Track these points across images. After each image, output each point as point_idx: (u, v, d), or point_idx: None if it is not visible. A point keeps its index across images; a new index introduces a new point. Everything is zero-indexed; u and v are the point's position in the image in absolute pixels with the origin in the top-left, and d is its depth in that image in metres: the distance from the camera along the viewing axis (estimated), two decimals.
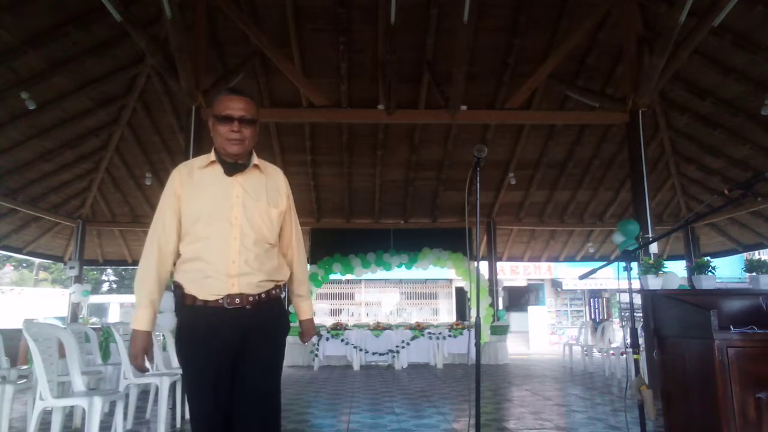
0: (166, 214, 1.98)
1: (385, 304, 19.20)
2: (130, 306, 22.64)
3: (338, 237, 12.43)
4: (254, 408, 1.89)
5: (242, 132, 1.95)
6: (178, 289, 1.95)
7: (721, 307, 2.82)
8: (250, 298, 1.93)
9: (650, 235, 6.70)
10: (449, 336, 10.27)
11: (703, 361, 2.55)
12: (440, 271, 14.30)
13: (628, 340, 2.71)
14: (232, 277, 1.90)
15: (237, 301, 1.90)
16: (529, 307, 18.42)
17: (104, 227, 12.86)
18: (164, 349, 5.74)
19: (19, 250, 12.14)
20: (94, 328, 6.36)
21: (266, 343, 1.97)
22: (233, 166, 1.98)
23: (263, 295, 1.96)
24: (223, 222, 1.92)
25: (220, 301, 1.89)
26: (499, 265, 14.31)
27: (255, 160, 2.04)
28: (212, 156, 2.00)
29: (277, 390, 1.98)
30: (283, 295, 2.08)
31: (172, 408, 4.89)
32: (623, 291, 11.39)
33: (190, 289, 1.92)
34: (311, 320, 2.28)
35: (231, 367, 1.90)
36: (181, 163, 2.10)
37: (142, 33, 6.79)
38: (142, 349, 1.91)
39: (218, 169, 1.98)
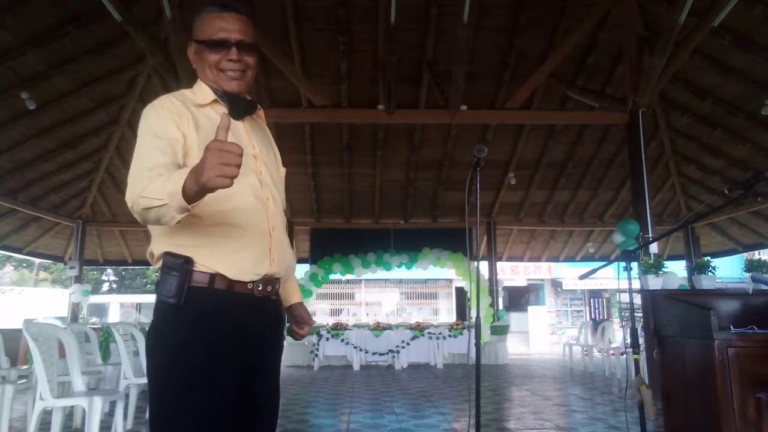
0: (162, 142, 1.33)
1: (385, 304, 19.19)
2: (130, 306, 22.66)
3: (338, 237, 12.43)
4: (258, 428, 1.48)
5: (243, 61, 1.46)
6: (185, 264, 1.32)
7: (721, 307, 2.82)
8: (277, 285, 1.49)
9: (650, 235, 6.70)
10: (449, 336, 10.27)
11: (703, 361, 2.55)
12: (440, 271, 14.30)
13: (628, 340, 2.71)
14: (273, 251, 1.43)
15: (269, 287, 1.43)
16: (529, 307, 18.42)
17: (104, 227, 12.86)
18: None
19: (19, 250, 12.14)
20: (94, 328, 6.35)
21: (280, 348, 1.57)
22: (245, 105, 1.50)
23: (279, 282, 1.52)
24: (252, 176, 1.43)
25: (250, 286, 1.39)
26: (499, 265, 14.31)
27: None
28: (209, 92, 1.48)
29: (278, 403, 1.58)
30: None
31: None
32: (623, 291, 11.39)
33: (208, 263, 1.34)
34: (303, 305, 1.72)
35: (239, 378, 1.40)
36: None
37: (142, 33, 6.79)
38: (211, 145, 1.09)
39: (220, 109, 1.46)
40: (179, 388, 1.28)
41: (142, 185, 1.22)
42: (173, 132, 1.36)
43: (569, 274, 18.54)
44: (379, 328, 10.32)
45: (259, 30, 7.44)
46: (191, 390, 1.28)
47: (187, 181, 1.12)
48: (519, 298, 19.87)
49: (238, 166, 1.09)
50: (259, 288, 1.39)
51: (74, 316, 11.83)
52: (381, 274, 12.86)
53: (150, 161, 1.29)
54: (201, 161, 1.09)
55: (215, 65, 1.45)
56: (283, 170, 1.64)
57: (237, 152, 1.08)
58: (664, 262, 5.39)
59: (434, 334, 10.26)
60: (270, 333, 1.48)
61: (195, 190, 1.12)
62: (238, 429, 1.42)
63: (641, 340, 5.17)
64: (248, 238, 1.37)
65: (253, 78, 1.53)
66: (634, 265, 3.39)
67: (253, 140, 1.49)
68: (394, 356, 10.04)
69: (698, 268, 4.52)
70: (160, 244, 1.36)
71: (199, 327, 1.31)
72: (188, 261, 1.32)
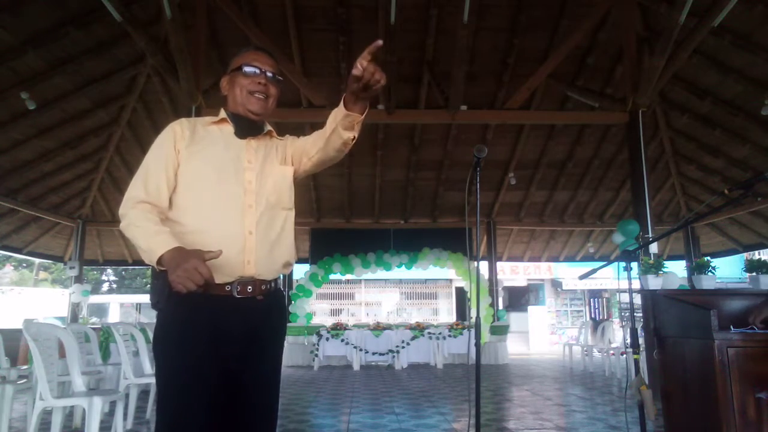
0: (158, 161, 1.59)
1: (385, 304, 19.18)
2: (130, 306, 22.65)
3: (338, 237, 12.43)
4: (253, 428, 1.58)
5: (269, 87, 1.70)
6: (163, 272, 1.45)
7: (721, 307, 2.81)
8: (263, 287, 1.57)
9: (650, 235, 6.70)
10: (449, 336, 10.26)
11: (703, 361, 2.54)
12: (440, 271, 14.29)
13: (628, 340, 2.71)
14: (247, 254, 1.54)
15: (249, 288, 1.53)
16: (529, 307, 18.42)
17: (104, 227, 12.86)
18: None
19: (19, 250, 12.14)
20: (94, 328, 6.35)
21: (274, 348, 1.65)
22: (248, 126, 1.70)
23: (273, 284, 1.62)
24: (235, 185, 1.59)
25: (228, 288, 1.51)
26: (499, 265, 14.31)
27: (268, 126, 1.79)
28: (222, 113, 1.73)
29: (277, 402, 1.68)
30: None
31: None
32: (623, 291, 11.39)
33: None
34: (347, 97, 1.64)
35: (229, 377, 1.52)
36: None
37: (142, 33, 6.80)
38: (193, 257, 1.35)
39: (228, 128, 1.69)
40: (162, 386, 1.48)
41: (133, 202, 1.51)
42: (169, 150, 1.61)
43: (569, 274, 18.53)
44: (379, 328, 10.32)
45: (259, 30, 7.49)
46: (168, 388, 1.47)
47: (165, 255, 1.39)
48: (519, 298, 19.86)
49: (198, 285, 1.32)
50: (238, 289, 1.52)
51: (74, 316, 11.82)
52: (381, 274, 12.86)
53: (147, 172, 1.59)
54: (180, 260, 1.34)
55: (245, 87, 1.69)
56: (287, 169, 1.75)
57: (205, 275, 1.33)
58: (664, 262, 5.39)
59: (434, 334, 10.26)
60: (260, 333, 1.58)
61: (165, 267, 1.39)
62: (231, 428, 1.53)
63: (641, 340, 5.17)
64: (221, 243, 1.48)
65: (272, 109, 1.75)
66: (634, 265, 3.39)
67: (253, 154, 1.68)
68: (394, 356, 10.03)
69: (698, 268, 4.52)
70: None
71: (177, 329, 1.49)
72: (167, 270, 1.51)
